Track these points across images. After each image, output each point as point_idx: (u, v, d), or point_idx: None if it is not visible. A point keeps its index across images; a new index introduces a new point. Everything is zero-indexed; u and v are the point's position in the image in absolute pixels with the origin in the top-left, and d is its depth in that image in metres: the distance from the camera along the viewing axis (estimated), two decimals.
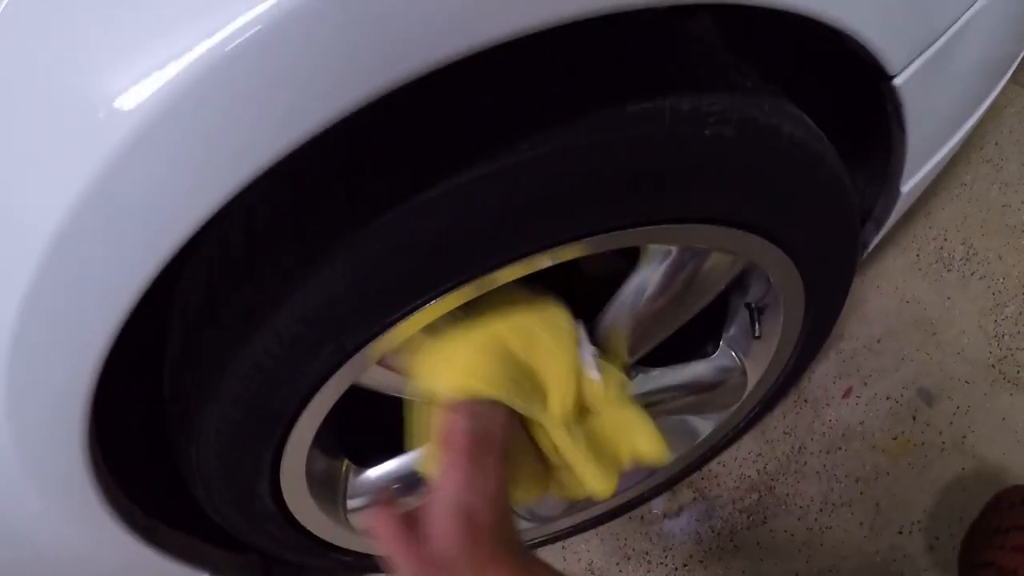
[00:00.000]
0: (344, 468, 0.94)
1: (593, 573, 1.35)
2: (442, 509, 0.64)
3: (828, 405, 1.35)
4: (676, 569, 1.32)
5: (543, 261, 0.63)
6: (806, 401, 1.35)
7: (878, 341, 1.38)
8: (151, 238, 0.46)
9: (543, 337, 0.72)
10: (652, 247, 0.74)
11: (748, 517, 1.31)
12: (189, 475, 0.77)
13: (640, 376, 0.97)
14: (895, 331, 1.38)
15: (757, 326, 0.93)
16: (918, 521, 1.26)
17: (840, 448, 1.32)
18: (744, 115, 0.61)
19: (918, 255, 1.44)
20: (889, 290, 1.43)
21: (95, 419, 0.60)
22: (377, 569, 1.12)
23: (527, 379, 0.73)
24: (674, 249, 0.73)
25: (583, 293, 0.91)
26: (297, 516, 0.87)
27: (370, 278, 0.57)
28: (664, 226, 0.66)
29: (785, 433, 1.34)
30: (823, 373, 1.37)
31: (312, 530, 0.92)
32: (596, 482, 0.81)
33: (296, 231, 0.58)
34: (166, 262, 0.47)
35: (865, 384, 1.35)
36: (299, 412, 0.69)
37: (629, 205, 0.62)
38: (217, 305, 0.62)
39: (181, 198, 0.44)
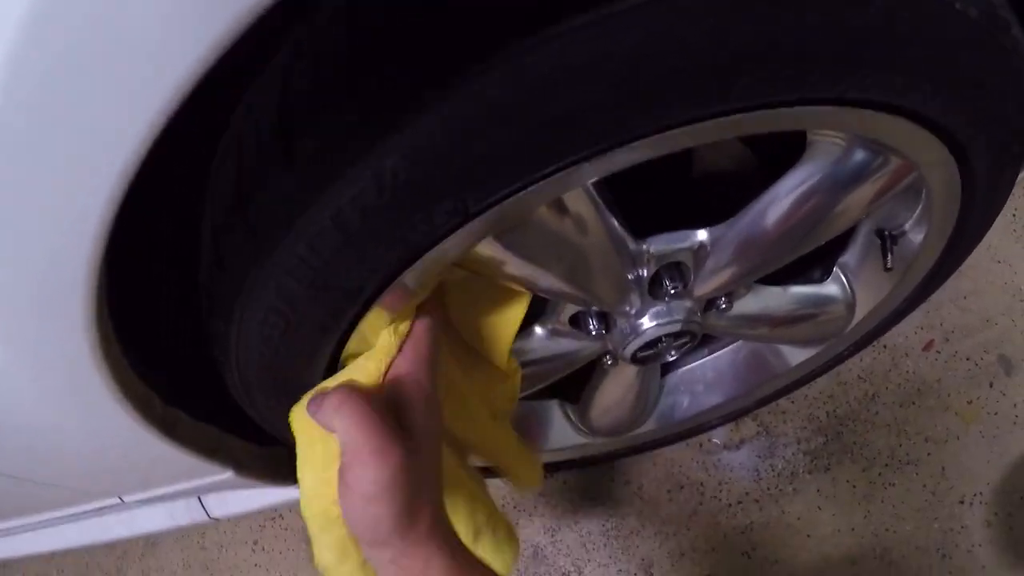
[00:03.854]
0: None
1: (641, 499, 1.29)
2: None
3: (907, 356, 1.27)
4: (729, 505, 1.26)
5: (706, 134, 0.52)
6: (885, 347, 1.28)
7: (965, 297, 1.30)
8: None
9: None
10: (820, 141, 0.64)
11: (811, 460, 1.25)
12: (224, 361, 0.67)
13: (750, 294, 0.89)
14: (983, 290, 1.30)
15: (890, 257, 0.84)
16: (980, 494, 1.20)
17: (914, 403, 1.25)
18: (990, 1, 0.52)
19: (1014, 215, 1.35)
20: (982, 247, 1.34)
21: (108, 287, 0.51)
22: None
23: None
24: (844, 146, 0.64)
25: (692, 191, 0.83)
26: None
27: (526, 109, 0.44)
28: (859, 110, 0.56)
29: (860, 378, 1.27)
30: (906, 321, 1.29)
31: None
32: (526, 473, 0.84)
33: (424, 22, 0.44)
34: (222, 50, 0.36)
35: (947, 340, 1.28)
36: (380, 291, 0.57)
37: (835, 71, 0.51)
38: (291, 137, 0.49)
39: None
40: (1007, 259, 1.30)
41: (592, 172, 0.51)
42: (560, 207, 0.58)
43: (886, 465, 1.23)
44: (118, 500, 1.07)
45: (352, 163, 0.45)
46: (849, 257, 0.93)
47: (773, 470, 1.26)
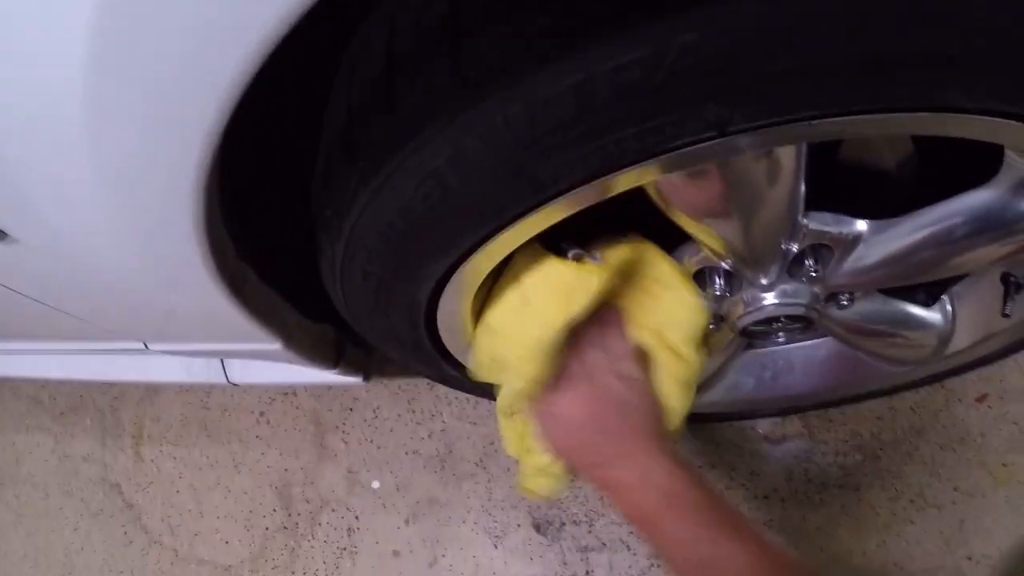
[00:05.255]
0: None
1: None
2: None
3: (960, 401, 1.28)
4: (755, 497, 1.28)
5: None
6: (942, 386, 1.29)
7: None
8: None
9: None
10: (1013, 168, 0.64)
11: (844, 475, 1.27)
12: (330, 239, 0.66)
13: (863, 298, 0.90)
14: None
15: (1009, 303, 0.85)
16: (989, 556, 1.21)
17: (954, 449, 1.27)
18: None
19: None
20: None
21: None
22: (465, 388, 1.08)
23: None
24: None
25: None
26: (441, 319, 0.78)
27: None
28: None
29: (912, 409, 1.28)
30: None
31: (445, 337, 0.83)
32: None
33: None
34: None
35: (1001, 398, 1.29)
36: (545, 201, 0.56)
37: None
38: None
39: None
40: None
41: (822, 132, 0.51)
42: (773, 164, 0.58)
43: (912, 501, 1.25)
44: (142, 346, 1.05)
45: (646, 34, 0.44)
46: (963, 289, 0.93)
47: (806, 475, 1.28)
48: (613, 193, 0.57)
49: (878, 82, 0.45)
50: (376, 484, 1.48)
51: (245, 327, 0.82)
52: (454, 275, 0.68)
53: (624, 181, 0.55)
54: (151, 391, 1.74)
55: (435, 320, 0.78)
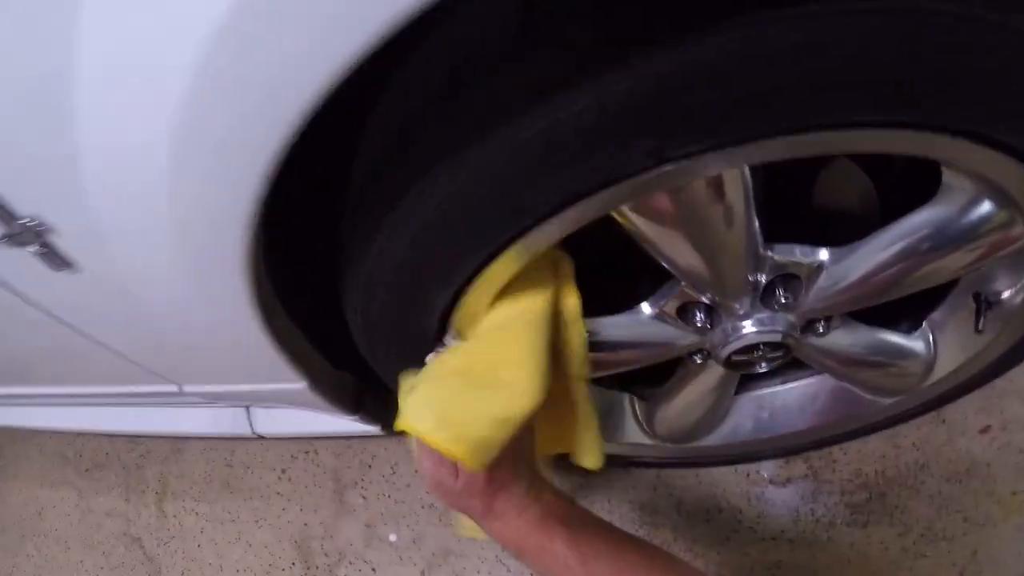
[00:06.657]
0: None
1: (679, 513, 1.33)
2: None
3: (963, 435, 1.30)
4: (763, 539, 1.29)
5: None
6: (943, 422, 1.30)
7: None
8: None
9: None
10: (952, 186, 0.69)
11: (851, 514, 1.28)
12: (352, 273, 0.73)
13: (843, 327, 0.93)
14: None
15: (982, 320, 0.88)
16: None
17: (960, 481, 1.28)
18: None
19: None
20: None
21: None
22: None
23: None
24: (973, 196, 0.69)
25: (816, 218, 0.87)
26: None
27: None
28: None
29: (914, 445, 1.30)
30: (967, 401, 1.30)
31: None
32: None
33: None
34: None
35: (1004, 429, 1.30)
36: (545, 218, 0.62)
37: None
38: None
39: None
40: None
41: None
42: (718, 190, 0.63)
43: (922, 535, 1.26)
44: (175, 388, 1.10)
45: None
46: (940, 315, 0.96)
47: (813, 515, 1.29)
48: (584, 222, 0.64)
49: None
50: (393, 537, 1.51)
51: (274, 365, 0.88)
52: (456, 310, 0.75)
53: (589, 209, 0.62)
54: (176, 448, 1.79)
55: None
